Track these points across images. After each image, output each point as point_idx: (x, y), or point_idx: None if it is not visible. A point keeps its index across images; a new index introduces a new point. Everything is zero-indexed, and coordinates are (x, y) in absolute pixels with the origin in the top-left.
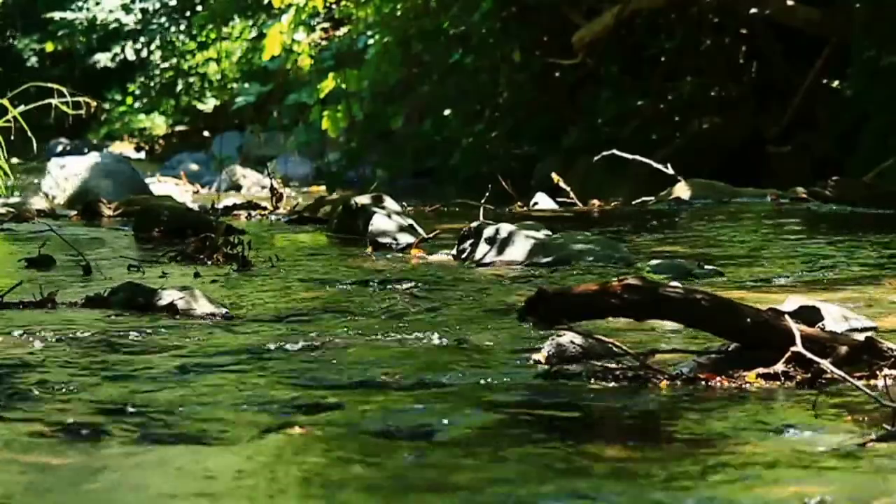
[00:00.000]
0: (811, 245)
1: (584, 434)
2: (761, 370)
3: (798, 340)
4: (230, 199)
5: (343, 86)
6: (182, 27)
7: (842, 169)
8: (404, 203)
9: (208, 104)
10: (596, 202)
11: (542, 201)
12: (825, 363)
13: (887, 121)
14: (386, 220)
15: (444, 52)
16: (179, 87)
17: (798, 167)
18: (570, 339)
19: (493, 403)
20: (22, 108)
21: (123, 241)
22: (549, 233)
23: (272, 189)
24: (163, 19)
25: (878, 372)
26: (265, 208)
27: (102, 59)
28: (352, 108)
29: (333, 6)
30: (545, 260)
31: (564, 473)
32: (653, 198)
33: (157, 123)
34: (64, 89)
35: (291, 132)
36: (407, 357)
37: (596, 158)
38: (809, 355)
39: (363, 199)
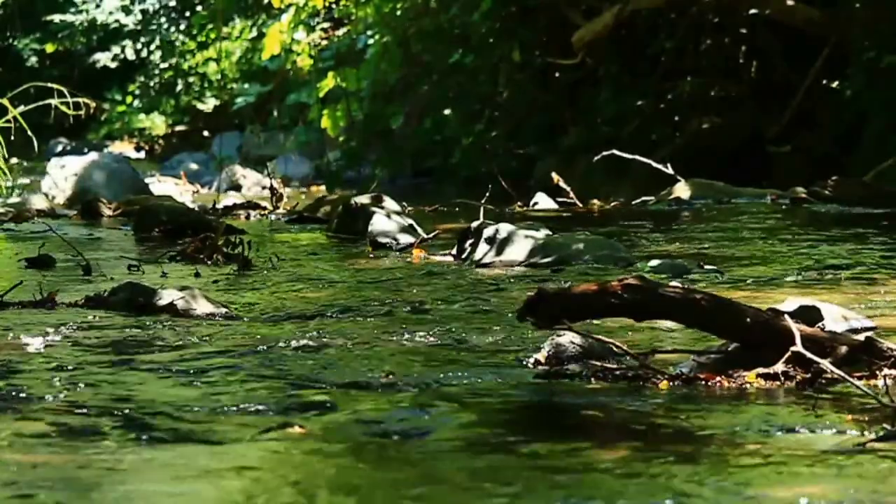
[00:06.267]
0: (811, 245)
1: (583, 434)
2: (761, 370)
3: (798, 340)
4: (230, 199)
5: (343, 85)
6: (182, 27)
7: (842, 169)
8: (404, 203)
9: (208, 104)
10: (596, 202)
11: (542, 201)
12: (825, 363)
13: (887, 121)
14: (386, 220)
15: (444, 52)
16: (179, 87)
17: (798, 167)
18: (569, 339)
19: (493, 403)
20: (22, 108)
21: (123, 241)
22: (549, 233)
23: (272, 189)
24: (162, 20)
25: (878, 372)
26: (265, 208)
27: (102, 59)
28: (351, 107)
29: (333, 6)
30: (545, 260)
31: (564, 474)
32: (653, 198)
33: (157, 123)
34: (64, 89)
35: (291, 132)
36: (406, 357)
37: (596, 158)
38: (809, 355)
39: (363, 199)
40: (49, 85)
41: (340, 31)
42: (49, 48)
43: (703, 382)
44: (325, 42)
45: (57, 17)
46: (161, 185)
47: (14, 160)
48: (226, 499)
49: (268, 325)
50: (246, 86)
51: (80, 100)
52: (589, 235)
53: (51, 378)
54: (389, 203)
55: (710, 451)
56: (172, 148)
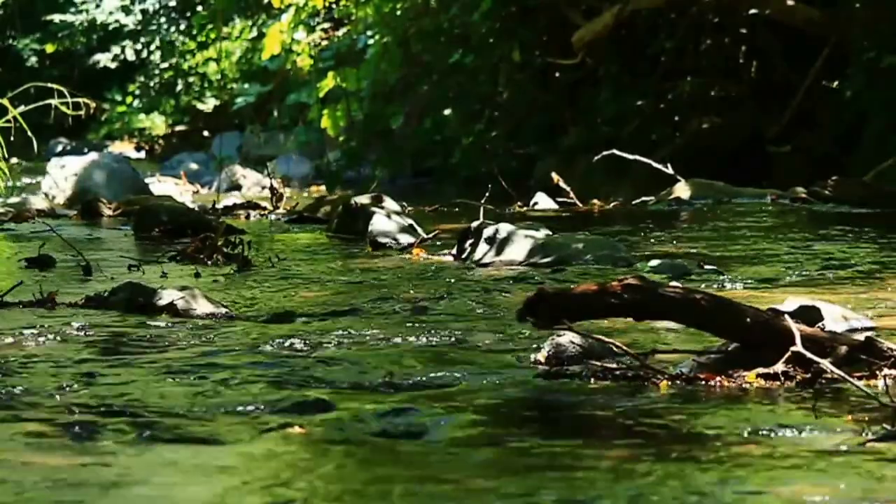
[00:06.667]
0: (811, 245)
1: (584, 434)
2: (761, 370)
3: (798, 340)
4: (230, 199)
5: (343, 85)
6: (182, 27)
7: (842, 169)
8: (404, 203)
9: (208, 104)
10: (596, 202)
11: (542, 201)
12: (825, 363)
13: (887, 121)
14: (386, 220)
15: (444, 52)
16: (179, 87)
17: (798, 167)
18: (569, 339)
19: (493, 403)
20: (22, 108)
21: (123, 241)
22: (549, 233)
23: (272, 189)
24: (162, 20)
25: (878, 372)
26: (265, 208)
27: (102, 59)
28: (351, 107)
29: (333, 6)
30: (545, 260)
31: (564, 473)
32: (653, 198)
33: (157, 123)
34: (64, 89)
35: (291, 132)
36: (406, 357)
37: (596, 158)
38: (809, 355)
39: (363, 199)
40: (49, 85)
41: (340, 31)
42: (49, 48)
43: (703, 382)
44: (325, 42)
45: (57, 17)
46: (161, 185)
47: (14, 160)
48: (225, 499)
49: (268, 325)
50: (246, 86)
51: (80, 100)
52: (589, 235)
53: (50, 378)
54: (389, 203)
55: (710, 451)
56: (172, 148)
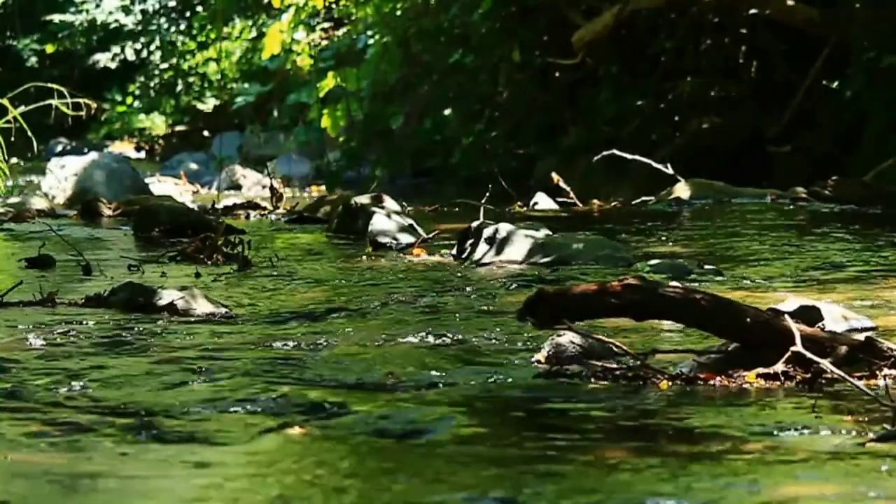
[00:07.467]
0: (811, 245)
1: (583, 434)
2: (761, 370)
3: (798, 340)
4: (230, 199)
5: (343, 85)
6: (182, 27)
7: (842, 169)
8: (404, 203)
9: (208, 104)
10: (596, 202)
11: (542, 201)
12: (825, 363)
13: (887, 121)
14: (386, 220)
15: (444, 52)
16: (179, 87)
17: (798, 167)
18: (569, 339)
19: (493, 404)
20: (22, 108)
21: (123, 241)
22: (549, 233)
23: (272, 189)
24: (162, 20)
25: (878, 372)
26: (265, 208)
27: (102, 59)
28: (351, 107)
29: (333, 6)
30: (545, 260)
31: (564, 473)
32: (653, 198)
33: (157, 123)
34: (64, 90)
35: (291, 132)
36: (407, 357)
37: (596, 158)
38: (809, 355)
39: (363, 199)
40: (49, 85)
41: (340, 31)
42: (49, 48)
43: (703, 382)
44: (325, 42)
45: (57, 17)
46: (161, 185)
47: (14, 160)
48: (225, 499)
49: (268, 325)
50: (246, 86)
51: (80, 100)
52: (589, 235)
53: (50, 377)
54: (389, 203)
55: (710, 451)
56: (172, 148)
